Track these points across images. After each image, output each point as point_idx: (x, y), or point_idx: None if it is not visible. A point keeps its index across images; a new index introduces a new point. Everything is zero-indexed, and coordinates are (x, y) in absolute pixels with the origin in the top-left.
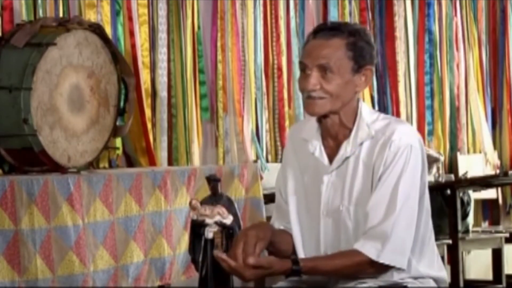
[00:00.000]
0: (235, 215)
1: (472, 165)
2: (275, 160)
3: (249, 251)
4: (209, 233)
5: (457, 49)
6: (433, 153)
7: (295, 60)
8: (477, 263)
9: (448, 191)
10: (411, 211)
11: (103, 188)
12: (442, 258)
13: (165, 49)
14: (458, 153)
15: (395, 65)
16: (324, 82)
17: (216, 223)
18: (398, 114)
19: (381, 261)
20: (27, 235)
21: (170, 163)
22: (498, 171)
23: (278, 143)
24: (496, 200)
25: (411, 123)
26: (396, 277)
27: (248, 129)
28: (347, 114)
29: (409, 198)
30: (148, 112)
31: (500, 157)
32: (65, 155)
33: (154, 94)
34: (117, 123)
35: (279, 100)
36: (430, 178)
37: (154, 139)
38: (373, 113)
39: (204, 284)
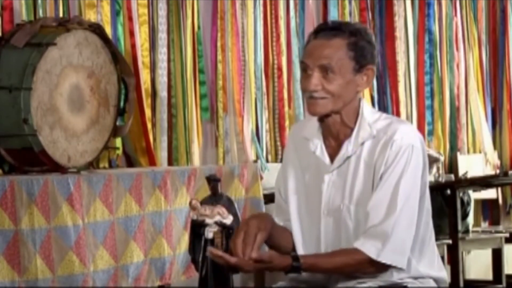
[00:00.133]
0: (235, 215)
1: (472, 165)
2: (275, 160)
3: (250, 241)
4: (209, 233)
5: (457, 49)
6: (433, 153)
7: (295, 60)
8: (477, 263)
9: (448, 191)
10: (412, 211)
11: (103, 188)
12: (442, 258)
13: (165, 49)
14: (458, 153)
15: (395, 65)
16: (326, 82)
17: (216, 223)
18: (398, 114)
19: (381, 260)
20: (27, 235)
21: (170, 163)
22: (498, 171)
23: (278, 143)
24: (496, 200)
25: (411, 123)
26: (396, 277)
27: (248, 129)
28: (348, 114)
29: (410, 198)
30: (148, 112)
31: (500, 157)
32: (65, 155)
33: (154, 94)
34: (117, 123)
35: (279, 100)
36: (430, 178)
37: (154, 139)
38: (375, 113)
39: (204, 284)
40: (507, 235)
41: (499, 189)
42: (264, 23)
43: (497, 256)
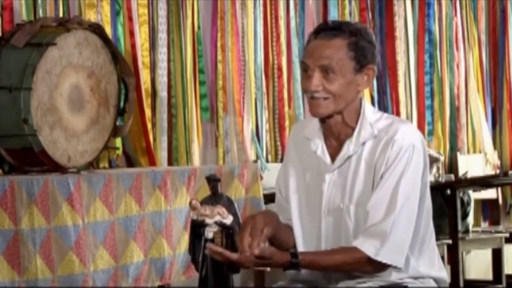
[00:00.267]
0: (235, 215)
1: (472, 165)
2: (275, 160)
3: (256, 234)
4: (209, 233)
5: (457, 49)
6: (433, 153)
7: (295, 60)
8: (477, 263)
9: (448, 191)
10: (411, 211)
11: (103, 188)
12: (442, 258)
13: (165, 49)
14: (458, 153)
15: (395, 65)
16: (327, 82)
17: (216, 223)
18: (398, 114)
19: (379, 259)
20: (27, 235)
21: (170, 163)
22: (498, 171)
23: (278, 143)
24: (496, 200)
25: (411, 123)
26: (395, 276)
27: (248, 129)
28: (350, 114)
29: (410, 198)
30: (148, 112)
31: (500, 157)
32: (65, 155)
33: (154, 94)
34: (117, 123)
35: (279, 100)
36: (430, 178)
37: (154, 139)
38: (376, 113)
39: (204, 284)
40: (507, 235)
41: (499, 189)
42: (264, 23)
43: (497, 256)
